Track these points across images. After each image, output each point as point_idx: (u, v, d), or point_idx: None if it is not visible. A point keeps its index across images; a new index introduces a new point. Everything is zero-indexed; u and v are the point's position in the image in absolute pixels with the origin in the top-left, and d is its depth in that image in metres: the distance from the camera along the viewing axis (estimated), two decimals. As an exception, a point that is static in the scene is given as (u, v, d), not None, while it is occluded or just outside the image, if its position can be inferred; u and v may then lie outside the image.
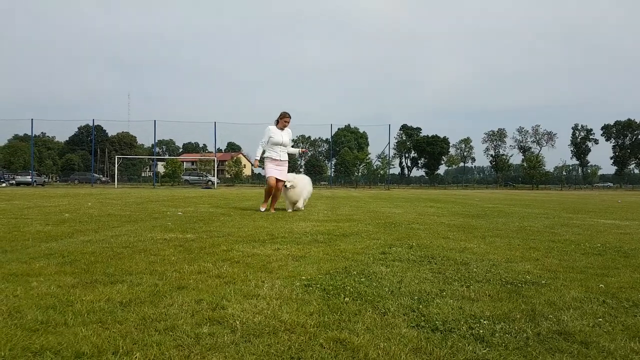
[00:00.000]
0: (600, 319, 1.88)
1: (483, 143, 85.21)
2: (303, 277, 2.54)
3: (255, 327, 1.74)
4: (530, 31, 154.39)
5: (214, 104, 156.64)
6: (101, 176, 59.59)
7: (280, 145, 7.71)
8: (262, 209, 7.82)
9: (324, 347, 1.57)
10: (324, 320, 1.83)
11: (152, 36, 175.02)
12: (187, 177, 50.50)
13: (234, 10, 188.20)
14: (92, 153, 48.36)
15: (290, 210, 7.75)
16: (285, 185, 7.70)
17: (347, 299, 2.13)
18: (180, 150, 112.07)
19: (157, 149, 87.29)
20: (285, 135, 7.80)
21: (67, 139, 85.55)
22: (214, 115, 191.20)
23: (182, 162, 61.35)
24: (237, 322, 1.78)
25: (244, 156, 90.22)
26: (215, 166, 46.91)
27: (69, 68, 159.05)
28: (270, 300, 2.09)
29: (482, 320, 1.85)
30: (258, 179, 72.04)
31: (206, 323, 1.78)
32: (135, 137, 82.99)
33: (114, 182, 43.08)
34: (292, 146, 8.28)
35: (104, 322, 1.79)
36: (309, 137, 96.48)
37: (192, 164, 74.85)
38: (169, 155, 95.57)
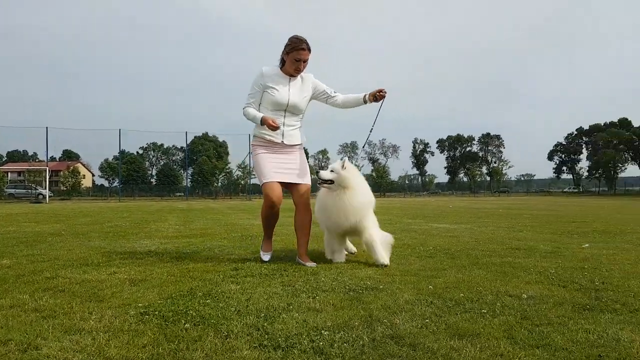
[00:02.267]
0: (427, 320, 2.04)
1: (338, 154, 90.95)
2: (140, 304, 2.30)
3: (72, 370, 1.50)
4: (375, 50, 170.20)
5: (46, 107, 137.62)
6: None
7: (286, 110, 3.67)
8: (265, 257, 3.74)
9: (154, 385, 1.41)
10: (158, 352, 1.66)
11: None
12: (11, 191, 43.33)
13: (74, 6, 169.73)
14: None
15: (337, 258, 3.68)
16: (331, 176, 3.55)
17: (187, 325, 1.98)
18: (4, 159, 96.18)
19: (-26, 158, 73.59)
20: (299, 91, 3.70)
21: None
22: (46, 120, 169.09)
23: (6, 172, 52.45)
24: (49, 367, 1.51)
25: (83, 165, 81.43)
26: (47, 177, 41.07)
27: None
28: (96, 334, 1.83)
29: (323, 332, 1.88)
30: (100, 191, 64.78)
31: (8, 372, 1.47)
32: (-57, 145, 68.77)
33: None
34: (333, 91, 3.84)
35: None
36: (162, 144, 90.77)
37: (19, 175, 64.54)
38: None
